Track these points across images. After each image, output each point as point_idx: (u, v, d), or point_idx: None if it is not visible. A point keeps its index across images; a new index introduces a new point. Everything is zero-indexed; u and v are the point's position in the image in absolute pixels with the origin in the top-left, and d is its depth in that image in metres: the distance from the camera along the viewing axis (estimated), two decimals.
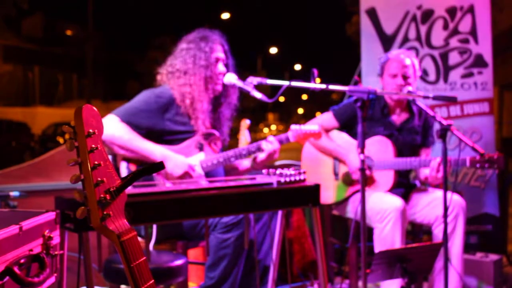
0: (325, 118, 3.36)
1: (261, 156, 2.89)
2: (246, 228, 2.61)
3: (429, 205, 3.18)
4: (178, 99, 2.83)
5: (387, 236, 2.96)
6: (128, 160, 2.76)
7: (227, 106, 3.00)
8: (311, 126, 2.93)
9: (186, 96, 2.81)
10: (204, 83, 2.84)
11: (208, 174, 2.81)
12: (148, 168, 1.23)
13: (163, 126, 2.79)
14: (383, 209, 2.99)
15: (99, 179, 1.17)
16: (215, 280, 2.69)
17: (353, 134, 3.30)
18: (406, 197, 3.26)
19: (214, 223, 2.70)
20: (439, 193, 3.17)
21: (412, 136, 3.30)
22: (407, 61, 3.22)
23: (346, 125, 3.32)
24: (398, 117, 3.32)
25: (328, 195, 3.31)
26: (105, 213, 1.17)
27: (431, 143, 3.39)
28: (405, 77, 3.19)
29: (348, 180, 3.27)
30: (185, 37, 2.96)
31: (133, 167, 2.76)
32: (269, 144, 2.85)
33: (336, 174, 3.34)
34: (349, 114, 3.27)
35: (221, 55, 2.92)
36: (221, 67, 2.90)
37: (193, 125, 2.83)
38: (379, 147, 3.21)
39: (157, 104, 2.78)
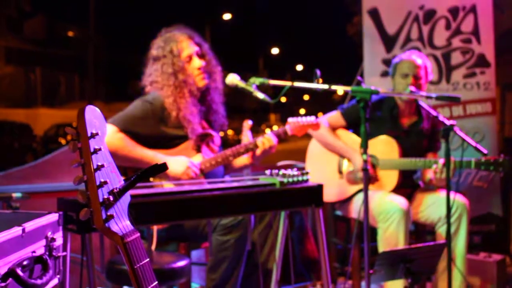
0: (333, 116, 3.35)
1: (257, 152, 2.88)
2: (249, 230, 2.60)
3: (432, 205, 3.17)
4: (167, 106, 2.77)
5: (391, 237, 2.95)
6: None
7: (214, 91, 2.93)
8: (308, 117, 2.89)
9: (172, 105, 2.76)
10: (179, 90, 2.77)
11: (208, 174, 2.79)
12: (151, 169, 1.22)
13: (160, 133, 2.75)
14: (386, 209, 2.98)
15: (102, 180, 1.16)
16: (216, 282, 2.68)
17: (359, 134, 3.28)
18: (410, 197, 3.25)
19: (214, 225, 2.68)
20: (442, 193, 3.16)
21: (419, 139, 3.29)
22: (419, 62, 3.23)
23: (353, 125, 3.30)
24: (406, 120, 3.32)
25: (332, 193, 3.30)
26: (108, 214, 1.16)
27: (438, 148, 3.37)
28: (416, 77, 3.20)
29: (352, 179, 3.26)
30: (152, 43, 2.89)
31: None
32: (266, 142, 2.82)
33: (340, 172, 3.33)
34: (357, 113, 3.25)
35: (192, 49, 2.84)
36: (196, 61, 2.83)
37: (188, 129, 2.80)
38: (385, 147, 3.20)
39: (153, 112, 2.74)
